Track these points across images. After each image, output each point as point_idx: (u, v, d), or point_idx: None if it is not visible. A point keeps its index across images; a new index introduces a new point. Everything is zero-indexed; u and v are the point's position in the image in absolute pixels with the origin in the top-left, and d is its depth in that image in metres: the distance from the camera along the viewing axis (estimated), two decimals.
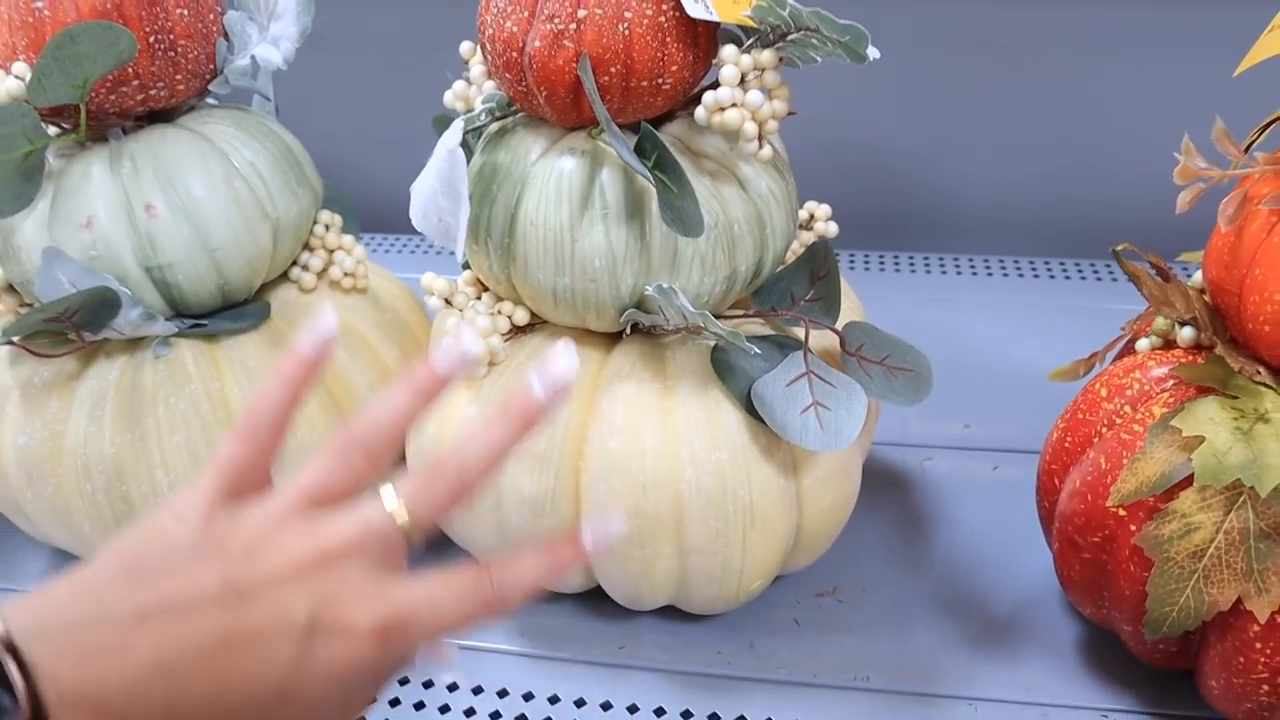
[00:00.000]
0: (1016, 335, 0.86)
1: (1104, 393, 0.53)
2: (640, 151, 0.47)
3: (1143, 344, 0.54)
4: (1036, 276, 0.96)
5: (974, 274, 0.96)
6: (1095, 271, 0.96)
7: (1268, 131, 0.52)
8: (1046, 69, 0.92)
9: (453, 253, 0.50)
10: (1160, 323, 0.53)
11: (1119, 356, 0.59)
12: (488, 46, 0.49)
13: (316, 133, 0.72)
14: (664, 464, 0.50)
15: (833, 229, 0.60)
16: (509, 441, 0.33)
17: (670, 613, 0.60)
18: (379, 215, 0.89)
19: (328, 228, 0.62)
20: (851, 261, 0.98)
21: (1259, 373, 0.46)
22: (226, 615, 0.28)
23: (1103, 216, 0.99)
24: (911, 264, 0.98)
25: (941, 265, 0.98)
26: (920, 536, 0.66)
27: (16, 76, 0.52)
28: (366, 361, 0.62)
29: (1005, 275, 0.96)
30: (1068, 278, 0.95)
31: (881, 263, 0.98)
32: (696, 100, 0.51)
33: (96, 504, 0.57)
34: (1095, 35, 0.90)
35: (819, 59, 0.47)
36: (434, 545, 0.63)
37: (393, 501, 0.32)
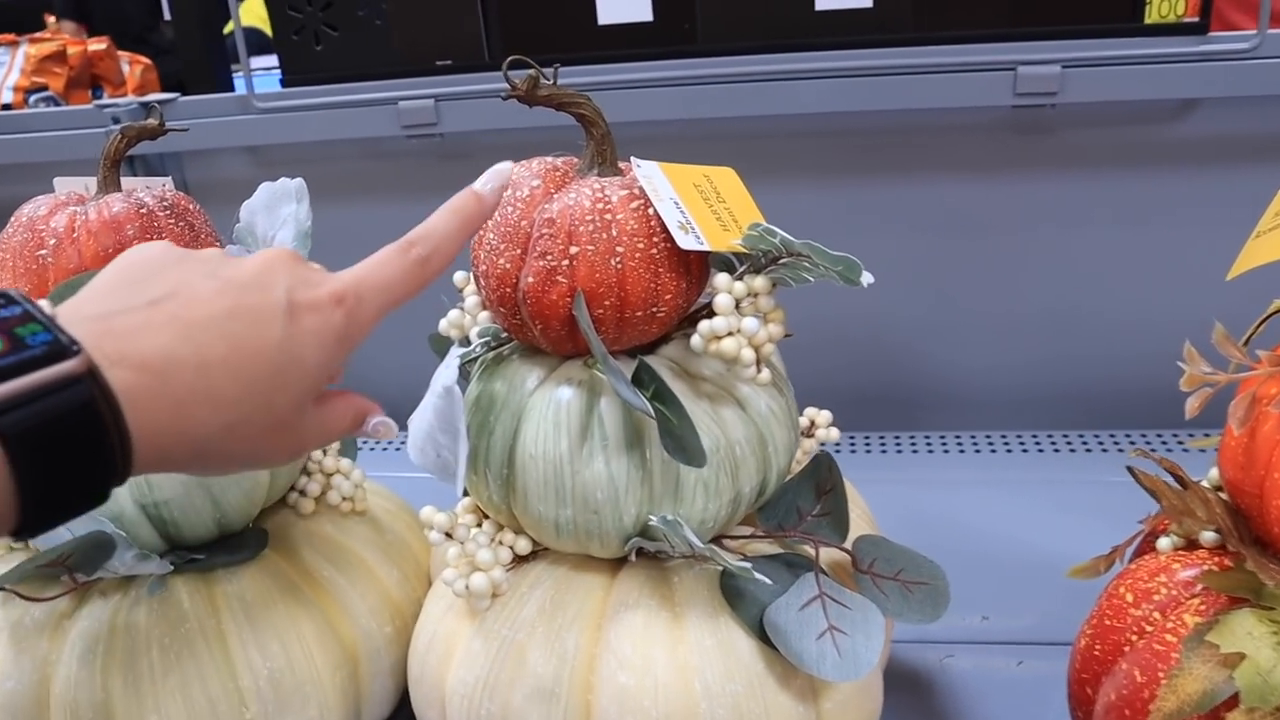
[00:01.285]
0: (1026, 514, 0.84)
1: (1130, 598, 0.51)
2: (638, 382, 0.46)
3: (1164, 543, 0.53)
4: (1040, 451, 0.95)
5: (976, 451, 0.95)
6: (1100, 442, 0.95)
7: (1265, 324, 0.52)
8: (1034, 244, 0.94)
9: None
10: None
11: (1139, 551, 0.57)
12: (481, 281, 0.49)
13: None
14: (677, 698, 0.48)
15: (834, 434, 0.59)
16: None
17: None
18: None
19: (325, 451, 0.62)
20: (852, 445, 0.98)
21: None
22: (224, 295, 0.33)
23: (1099, 386, 0.99)
24: (913, 443, 0.97)
25: (943, 443, 0.97)
26: None
27: None
28: (366, 586, 0.60)
29: (1009, 451, 0.95)
30: (1072, 450, 0.95)
31: (882, 444, 0.98)
32: (691, 321, 0.52)
33: None
34: (1078, 210, 0.92)
35: (812, 279, 0.48)
36: None
37: None
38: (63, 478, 0.28)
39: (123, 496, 0.54)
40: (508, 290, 0.48)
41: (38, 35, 1.56)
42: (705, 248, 0.46)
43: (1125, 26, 0.85)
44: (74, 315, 0.31)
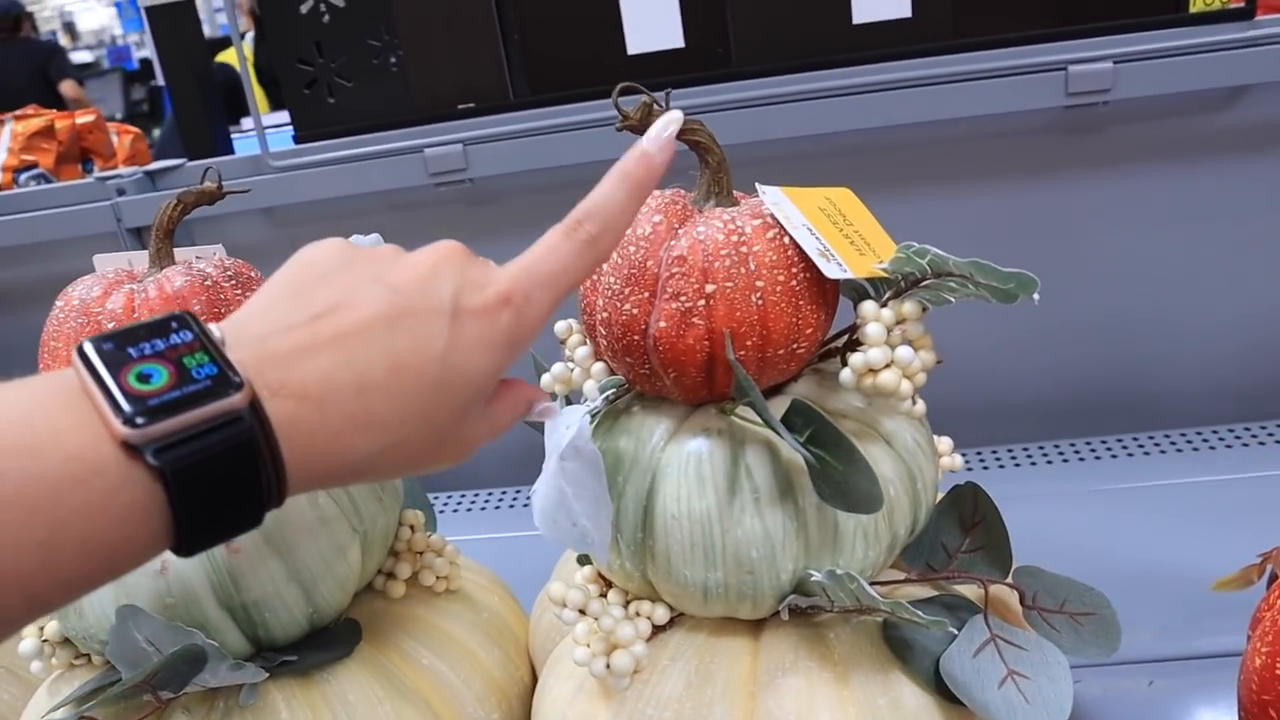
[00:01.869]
0: (1115, 524, 0.80)
1: None
2: (790, 426, 0.42)
3: None
4: (1114, 456, 0.92)
5: (1048, 462, 0.92)
6: (1172, 443, 0.92)
7: None
8: (1092, 244, 0.92)
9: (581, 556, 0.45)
10: None
11: None
12: (600, 330, 0.45)
13: None
14: None
15: (958, 461, 0.56)
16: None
17: None
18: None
19: (413, 529, 0.57)
20: None
21: None
22: (386, 303, 0.32)
23: (1155, 386, 0.97)
24: (981, 458, 0.94)
25: (1011, 456, 0.94)
26: None
27: None
28: (469, 671, 0.55)
29: (1081, 459, 0.92)
30: (1145, 453, 0.91)
31: None
32: (822, 356, 0.48)
33: None
34: (1134, 206, 0.90)
35: (953, 300, 0.44)
36: None
37: None
38: (218, 508, 0.28)
39: (206, 601, 0.49)
40: (635, 338, 0.44)
41: (22, 112, 1.50)
42: (849, 275, 0.42)
43: (1170, 18, 0.83)
44: (240, 336, 0.30)
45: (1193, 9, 0.83)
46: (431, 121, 0.90)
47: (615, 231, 0.36)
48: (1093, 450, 0.93)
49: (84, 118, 1.52)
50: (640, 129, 0.43)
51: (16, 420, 0.26)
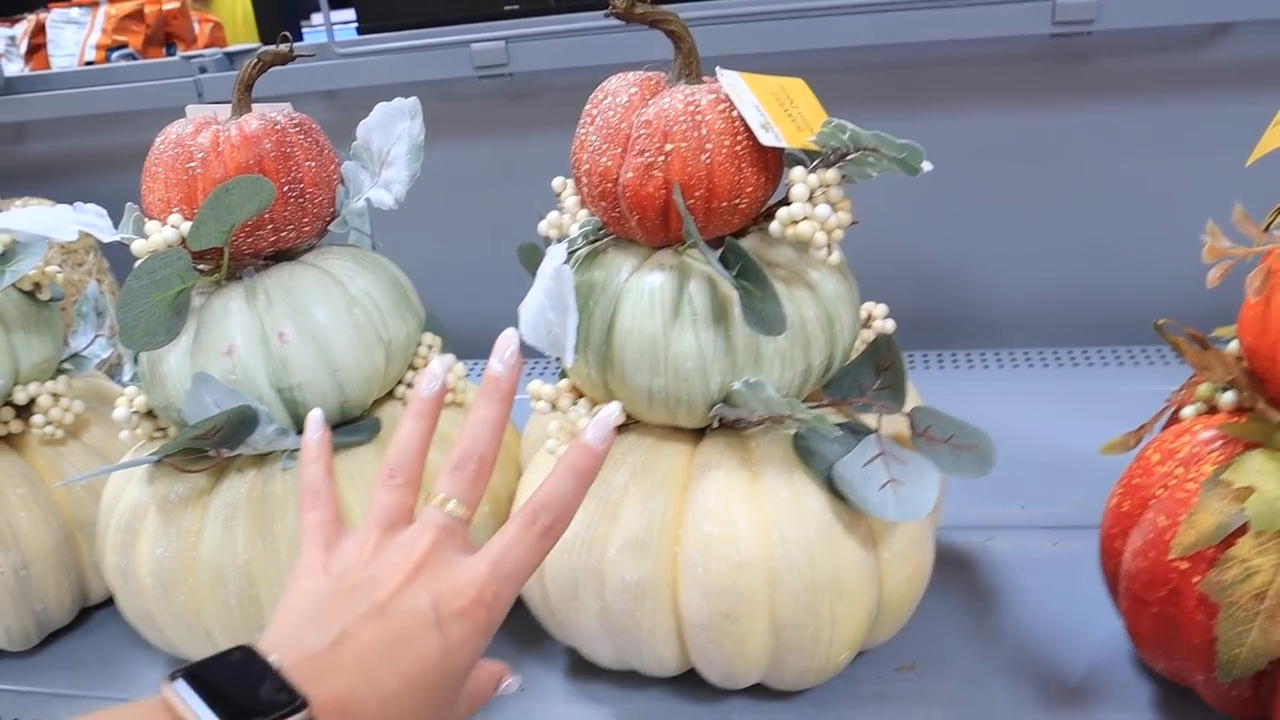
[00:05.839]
0: (1061, 420, 0.90)
1: (1156, 458, 0.57)
2: (725, 263, 0.53)
3: (1188, 411, 0.59)
4: (1075, 365, 1.01)
5: (1015, 366, 1.02)
6: (1131, 356, 1.01)
7: None
8: (1070, 170, 1.00)
9: (558, 359, 0.56)
10: (1203, 390, 0.58)
11: (1166, 426, 0.64)
12: (583, 180, 0.56)
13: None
14: (756, 544, 0.55)
15: (890, 325, 0.66)
16: (497, 418, 0.46)
17: (759, 692, 0.63)
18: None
19: (430, 348, 0.69)
20: None
21: None
22: (383, 626, 0.38)
23: (1128, 305, 1.05)
24: (955, 361, 1.04)
25: (983, 359, 1.03)
26: (989, 610, 0.70)
27: (172, 226, 0.60)
28: None
29: (1045, 366, 1.01)
30: (1105, 364, 1.01)
31: (925, 361, 1.04)
32: (766, 217, 0.58)
33: (229, 608, 0.62)
34: (1109, 138, 0.98)
35: (874, 174, 0.54)
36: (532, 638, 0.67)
37: (444, 501, 0.43)
38: None
39: (261, 381, 0.61)
40: (609, 185, 0.54)
41: None
42: (784, 144, 0.52)
43: None
44: (286, 661, 0.37)
45: None
46: (480, 20, 1.00)
47: (566, 519, 0.43)
48: (1056, 358, 1.02)
49: (170, 4, 1.66)
50: (624, 17, 0.54)
51: None
